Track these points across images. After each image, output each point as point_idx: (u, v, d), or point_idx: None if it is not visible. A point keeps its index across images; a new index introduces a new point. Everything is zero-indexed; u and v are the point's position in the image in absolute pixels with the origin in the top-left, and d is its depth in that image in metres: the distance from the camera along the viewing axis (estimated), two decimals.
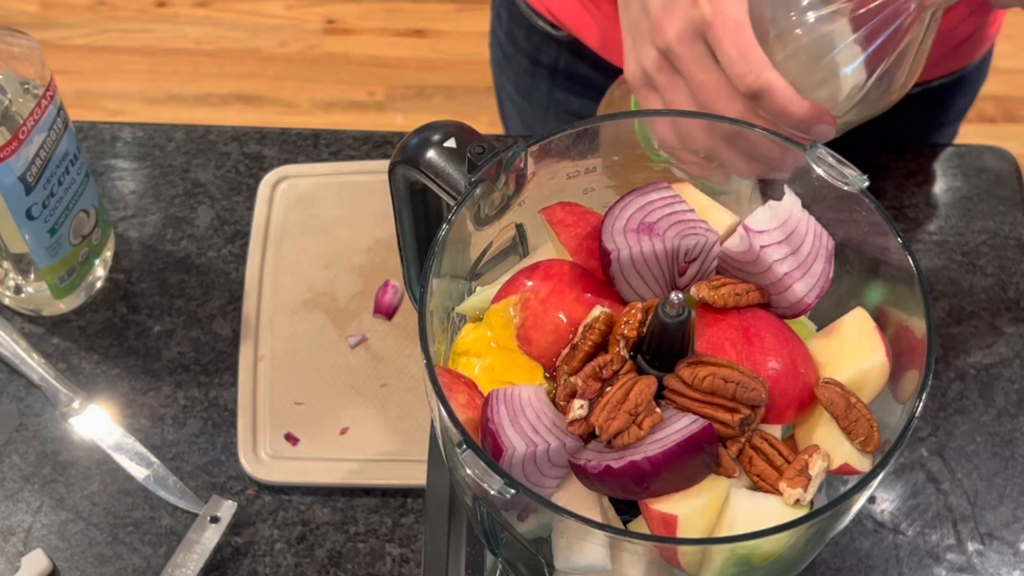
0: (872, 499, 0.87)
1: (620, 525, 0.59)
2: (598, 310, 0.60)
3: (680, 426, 0.56)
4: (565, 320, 0.61)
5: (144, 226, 0.99)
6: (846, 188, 0.62)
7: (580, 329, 0.60)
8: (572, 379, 0.58)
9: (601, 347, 0.60)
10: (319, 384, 0.92)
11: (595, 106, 0.98)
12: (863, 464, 0.59)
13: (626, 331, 0.59)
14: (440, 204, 0.69)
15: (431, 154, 0.65)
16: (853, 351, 0.61)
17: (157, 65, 2.24)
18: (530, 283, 0.63)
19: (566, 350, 0.60)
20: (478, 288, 0.67)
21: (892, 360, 0.60)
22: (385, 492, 0.87)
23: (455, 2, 2.33)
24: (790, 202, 0.62)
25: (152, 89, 2.21)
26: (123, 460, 0.88)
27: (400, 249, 0.74)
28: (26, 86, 0.81)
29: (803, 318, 0.63)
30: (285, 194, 1.00)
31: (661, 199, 0.62)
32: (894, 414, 0.60)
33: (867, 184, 0.62)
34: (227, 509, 0.84)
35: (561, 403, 0.59)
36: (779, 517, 0.56)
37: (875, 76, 0.70)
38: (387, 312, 0.95)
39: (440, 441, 0.61)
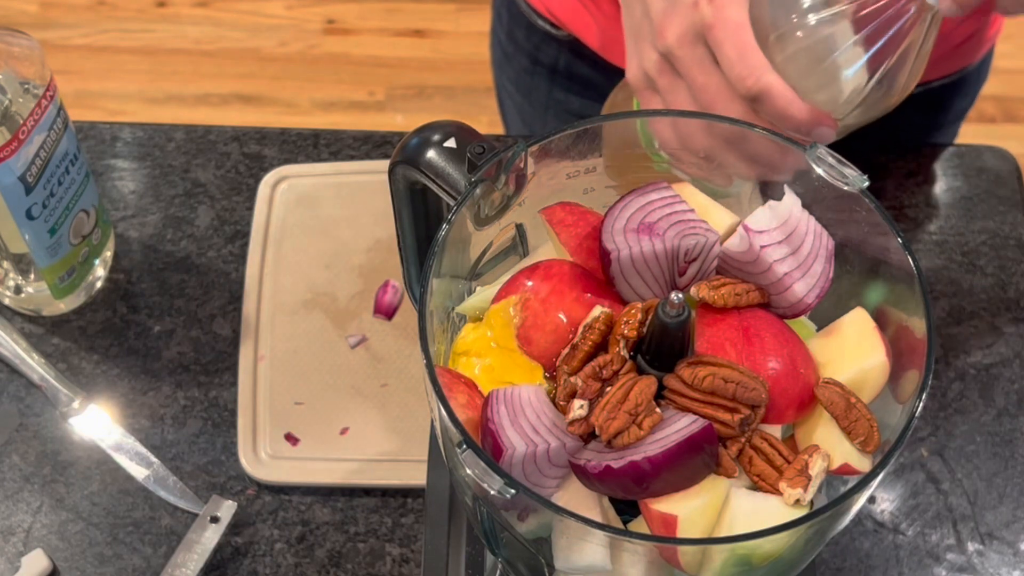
0: (872, 499, 0.87)
1: (620, 525, 0.59)
2: (598, 310, 0.60)
3: (680, 426, 0.56)
4: (565, 320, 0.61)
5: (144, 226, 0.99)
6: (846, 188, 0.62)
7: (580, 329, 0.60)
8: (572, 379, 0.58)
9: (601, 347, 0.60)
10: (319, 384, 0.91)
11: (595, 106, 0.98)
12: (863, 464, 0.59)
13: (626, 331, 0.59)
14: (440, 204, 0.69)
15: (431, 154, 0.65)
16: (853, 351, 0.61)
17: (157, 65, 2.24)
18: (530, 283, 0.62)
19: (566, 350, 0.60)
20: (478, 288, 0.67)
21: (892, 360, 0.60)
22: (385, 492, 0.87)
23: (455, 2, 2.33)
24: (790, 202, 0.62)
25: (152, 89, 2.21)
26: (123, 460, 0.88)
27: (400, 249, 0.74)
28: (26, 86, 0.81)
29: (803, 318, 0.63)
30: (285, 194, 1.00)
31: (661, 199, 0.62)
32: (894, 414, 0.60)
33: (867, 184, 0.62)
34: (227, 509, 0.84)
35: (561, 403, 0.59)
36: (779, 517, 0.56)
37: (875, 79, 0.70)
38: (387, 312, 0.95)
39: (440, 441, 0.61)
